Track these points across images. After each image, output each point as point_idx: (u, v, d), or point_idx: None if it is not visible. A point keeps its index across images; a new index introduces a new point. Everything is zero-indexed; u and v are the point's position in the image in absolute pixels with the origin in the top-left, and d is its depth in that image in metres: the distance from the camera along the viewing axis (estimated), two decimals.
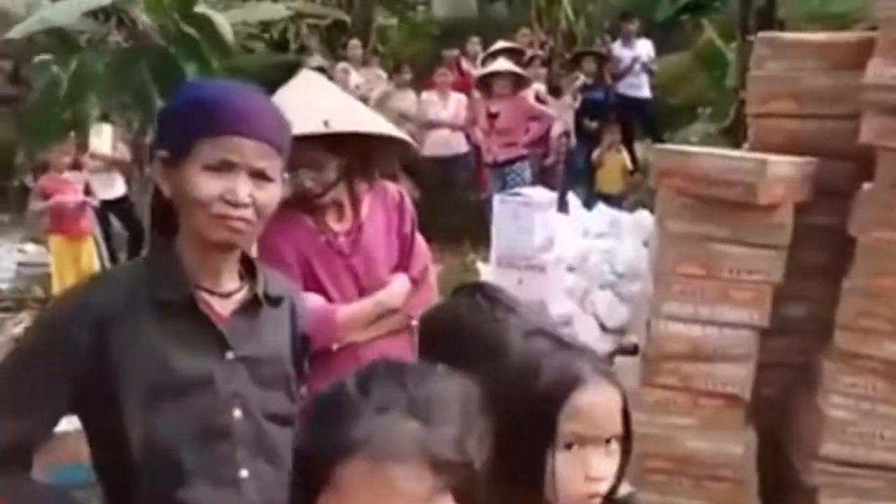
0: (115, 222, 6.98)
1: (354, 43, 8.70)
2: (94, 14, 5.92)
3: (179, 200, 1.21)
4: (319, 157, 1.90)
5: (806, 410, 2.58)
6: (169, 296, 1.20)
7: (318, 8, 9.24)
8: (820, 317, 2.58)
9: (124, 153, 6.74)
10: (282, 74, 8.60)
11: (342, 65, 8.59)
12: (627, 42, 8.60)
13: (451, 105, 7.73)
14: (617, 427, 1.02)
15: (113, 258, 7.10)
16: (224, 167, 1.17)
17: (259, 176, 1.21)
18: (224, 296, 1.25)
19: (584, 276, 5.02)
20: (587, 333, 4.77)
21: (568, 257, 5.01)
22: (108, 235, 6.88)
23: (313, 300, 1.92)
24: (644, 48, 8.59)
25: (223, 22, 2.27)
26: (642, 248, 5.23)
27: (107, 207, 6.73)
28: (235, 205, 1.17)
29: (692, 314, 2.55)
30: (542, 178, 7.47)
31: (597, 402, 1.00)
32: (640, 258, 5.14)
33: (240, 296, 1.28)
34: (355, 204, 2.03)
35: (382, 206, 2.07)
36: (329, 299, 1.98)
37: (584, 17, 10.32)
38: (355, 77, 8.22)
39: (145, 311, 1.19)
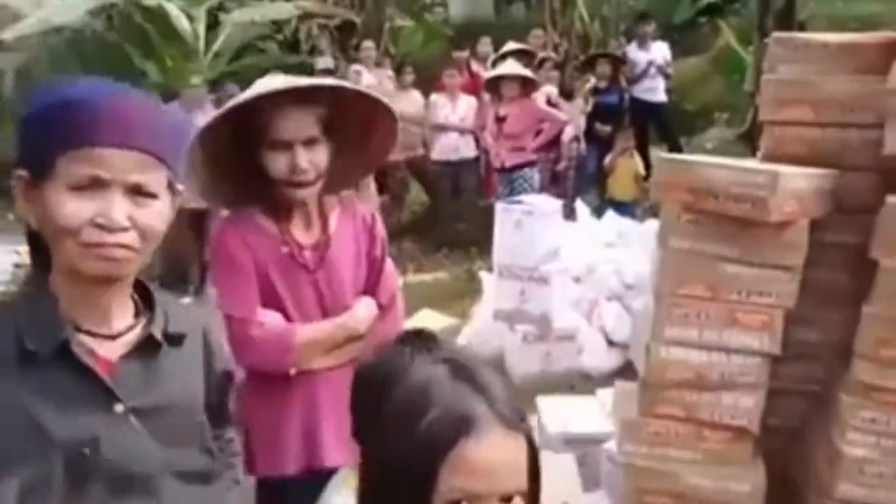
0: None
1: (368, 44, 8.57)
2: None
3: (46, 229, 1.01)
4: (310, 128, 1.76)
5: (820, 446, 2.37)
6: (36, 345, 1.00)
7: (328, 8, 9.10)
8: (836, 344, 2.36)
9: None
10: (292, 75, 8.48)
11: (355, 66, 8.46)
12: (643, 44, 8.39)
13: (460, 108, 7.56)
14: (520, 483, 0.84)
15: None
16: (94, 185, 0.99)
17: (138, 192, 1.02)
18: (111, 337, 1.07)
19: (591, 287, 4.83)
20: (593, 348, 4.57)
21: (574, 267, 4.82)
22: None
23: (271, 318, 1.79)
24: (660, 51, 8.37)
25: (179, 14, 2.10)
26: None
27: None
28: (111, 230, 0.99)
29: (696, 339, 2.34)
30: (553, 183, 7.28)
31: (492, 454, 0.83)
32: (650, 269, 4.93)
33: (132, 336, 1.09)
34: (323, 216, 1.89)
35: (352, 226, 1.93)
36: (288, 317, 1.83)
37: (598, 19, 10.10)
38: (367, 78, 8.08)
39: (11, 365, 1.00)
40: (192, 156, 1.71)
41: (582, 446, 2.97)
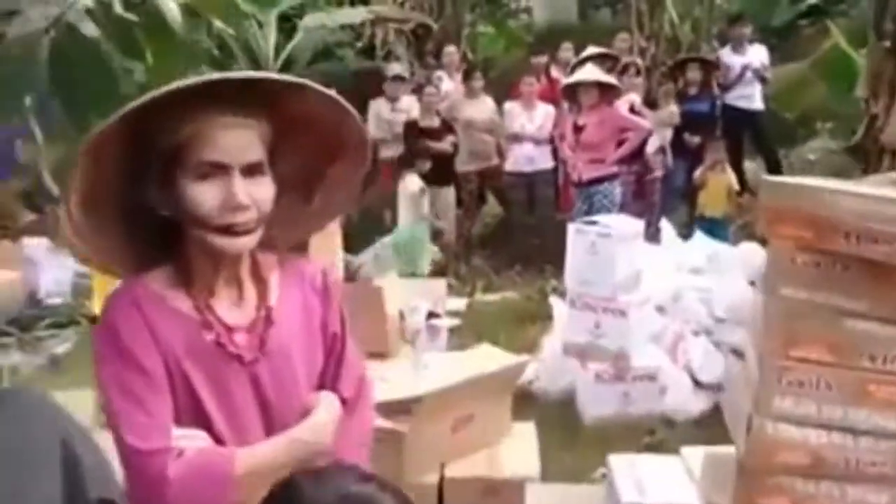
0: None
1: (450, 49, 8.25)
2: None
3: None
4: (253, 149, 1.25)
5: None
6: None
7: (401, 12, 8.78)
8: None
9: None
10: (367, 82, 8.15)
11: (438, 73, 8.12)
12: (738, 48, 7.74)
13: (537, 116, 7.12)
14: None
15: None
16: None
17: None
18: None
19: (676, 319, 4.30)
20: (677, 389, 4.04)
21: (657, 297, 4.30)
22: None
23: (195, 442, 1.25)
24: (757, 55, 7.72)
25: (173, 7, 1.77)
26: (747, 288, 4.45)
27: None
28: None
29: (814, 415, 1.83)
30: (636, 199, 6.74)
31: None
32: (744, 300, 4.37)
33: None
34: (260, 281, 1.36)
35: (300, 292, 1.41)
36: (218, 437, 1.29)
37: (689, 22, 9.46)
38: (447, 84, 7.74)
39: None
40: (69, 193, 1.22)
41: None
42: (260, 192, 1.27)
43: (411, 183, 6.29)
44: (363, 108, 7.60)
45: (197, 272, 1.31)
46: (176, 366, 1.27)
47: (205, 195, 1.23)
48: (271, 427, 1.33)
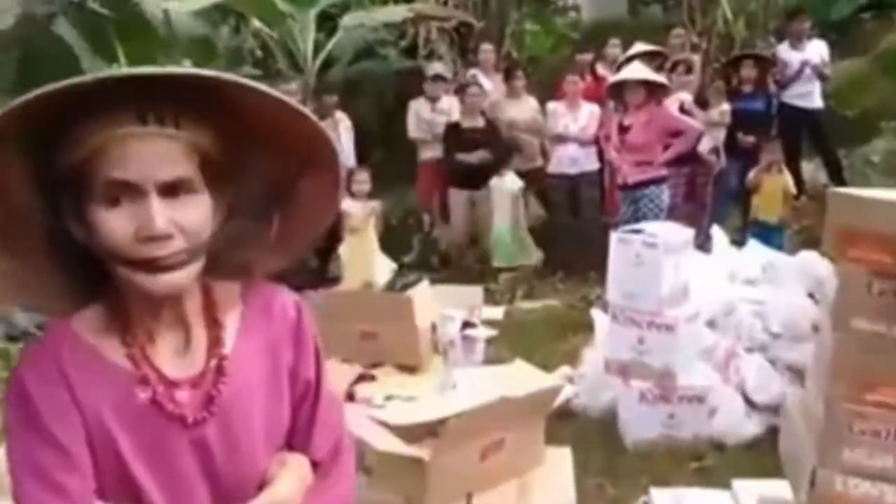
0: None
1: (487, 47, 8.00)
2: None
3: None
4: (175, 163, 1.01)
5: None
6: None
7: (442, 10, 8.56)
8: None
9: None
10: (409, 81, 7.97)
11: (472, 71, 7.90)
12: (797, 43, 7.35)
13: (581, 117, 6.87)
14: None
15: None
16: None
17: None
18: None
19: (728, 334, 4.00)
20: (728, 410, 3.75)
21: (707, 310, 4.00)
22: None
23: None
24: (816, 50, 7.32)
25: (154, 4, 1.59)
26: (805, 301, 4.14)
27: None
28: None
29: (892, 470, 1.56)
30: (687, 202, 6.42)
31: None
32: (802, 314, 4.06)
33: None
34: (211, 321, 1.12)
35: (264, 329, 1.16)
36: None
37: (744, 17, 9.07)
38: (484, 83, 7.51)
39: None
40: None
41: None
42: (188, 217, 1.02)
43: (510, 182, 6.13)
44: (404, 108, 7.41)
45: (132, 314, 1.08)
46: (102, 431, 1.05)
47: (115, 223, 0.99)
48: (221, 502, 1.10)
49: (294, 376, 1.17)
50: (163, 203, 1.00)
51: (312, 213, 1.17)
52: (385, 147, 9.01)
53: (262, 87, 1.04)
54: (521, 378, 3.15)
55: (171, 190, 1.01)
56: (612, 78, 6.04)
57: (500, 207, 6.19)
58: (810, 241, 5.38)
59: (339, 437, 1.23)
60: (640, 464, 3.53)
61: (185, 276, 1.03)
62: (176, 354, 1.10)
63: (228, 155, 1.07)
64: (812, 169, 7.73)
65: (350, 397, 3.48)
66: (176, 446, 1.07)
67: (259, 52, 10.17)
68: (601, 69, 7.55)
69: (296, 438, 1.18)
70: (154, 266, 1.00)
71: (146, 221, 0.99)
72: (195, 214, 1.03)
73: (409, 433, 2.80)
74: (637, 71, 5.47)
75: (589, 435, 3.76)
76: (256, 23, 8.44)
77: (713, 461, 3.55)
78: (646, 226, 3.86)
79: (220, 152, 1.06)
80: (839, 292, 1.62)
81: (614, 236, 3.76)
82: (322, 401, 1.20)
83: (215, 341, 1.11)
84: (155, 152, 1.00)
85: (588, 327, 4.71)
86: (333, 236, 4.61)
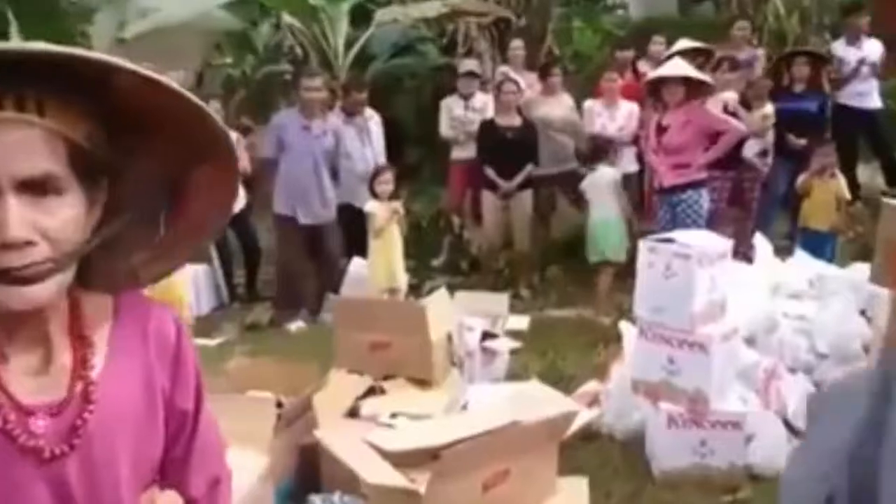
0: (232, 238, 6.41)
1: (517, 44, 7.71)
2: None
3: None
4: (36, 156, 0.85)
5: None
6: None
7: (478, 5, 8.30)
8: None
9: (246, 163, 6.13)
10: (447, 78, 7.72)
11: (503, 68, 7.63)
12: (853, 40, 6.93)
13: (619, 116, 6.55)
14: None
15: (228, 276, 6.54)
16: None
17: None
18: None
19: (769, 354, 3.68)
20: (767, 437, 3.43)
21: (746, 326, 3.69)
22: (222, 251, 6.32)
23: None
24: (874, 48, 6.89)
25: None
26: (856, 319, 3.80)
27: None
28: None
29: None
30: (731, 205, 6.06)
31: None
32: (852, 333, 3.72)
33: None
34: (78, 340, 0.96)
35: (139, 348, 1.01)
36: None
37: (797, 13, 8.63)
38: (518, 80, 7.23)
39: None
40: None
41: None
42: (53, 220, 0.87)
43: (608, 172, 5.88)
44: (439, 105, 7.18)
45: None
46: None
47: None
48: None
49: (170, 406, 1.04)
50: (21, 203, 0.85)
51: (204, 214, 1.02)
52: (421, 146, 8.80)
53: (144, 70, 0.87)
54: (536, 400, 2.89)
55: (32, 188, 0.86)
56: (650, 74, 5.72)
57: (597, 202, 5.92)
58: (864, 251, 5.01)
59: (216, 472, 1.12)
60: (668, 495, 3.23)
61: (48, 290, 0.88)
62: (33, 378, 0.94)
63: (107, 147, 0.92)
64: (869, 173, 7.30)
65: (354, 413, 3.26)
66: (28, 484, 0.92)
67: (298, 50, 10.06)
68: (644, 67, 7.22)
69: (169, 474, 1.07)
70: (9, 278, 0.86)
71: None
72: (62, 217, 0.88)
73: (407, 459, 2.56)
74: (676, 68, 5.14)
75: (613, 460, 3.48)
76: (288, 18, 8.29)
77: (749, 494, 3.24)
78: (679, 234, 3.54)
79: (96, 145, 0.90)
80: (892, 324, 1.34)
81: (643, 245, 3.46)
82: (200, 433, 1.08)
83: (82, 362, 0.96)
84: (10, 142, 0.84)
85: (619, 340, 4.43)
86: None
